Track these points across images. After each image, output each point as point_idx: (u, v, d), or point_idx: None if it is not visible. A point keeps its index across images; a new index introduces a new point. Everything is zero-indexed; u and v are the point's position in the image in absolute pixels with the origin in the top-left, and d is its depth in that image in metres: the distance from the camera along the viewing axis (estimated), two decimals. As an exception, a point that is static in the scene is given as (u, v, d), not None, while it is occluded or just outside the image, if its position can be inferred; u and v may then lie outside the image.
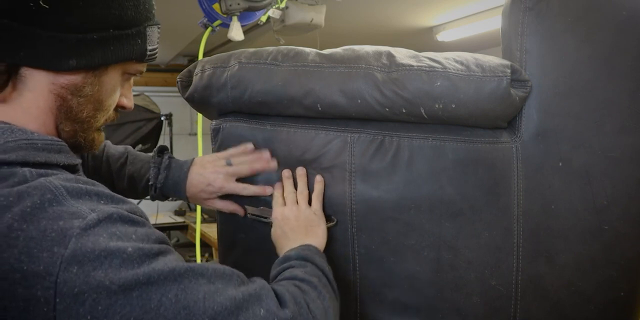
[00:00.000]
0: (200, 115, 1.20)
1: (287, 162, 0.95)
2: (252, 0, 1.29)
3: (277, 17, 1.53)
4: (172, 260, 0.59)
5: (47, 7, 0.62)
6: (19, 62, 0.65)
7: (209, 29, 1.36)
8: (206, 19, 1.36)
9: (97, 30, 0.66)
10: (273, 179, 0.96)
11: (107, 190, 0.62)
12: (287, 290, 0.67)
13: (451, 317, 0.89)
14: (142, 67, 0.76)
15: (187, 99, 1.03)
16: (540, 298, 0.88)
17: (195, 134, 5.07)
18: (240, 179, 0.97)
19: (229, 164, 0.96)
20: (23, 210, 0.54)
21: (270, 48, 0.97)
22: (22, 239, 0.53)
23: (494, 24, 3.23)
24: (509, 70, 0.83)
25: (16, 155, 0.60)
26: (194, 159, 1.01)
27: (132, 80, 0.78)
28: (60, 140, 0.68)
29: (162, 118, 4.50)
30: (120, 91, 0.75)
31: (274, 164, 0.96)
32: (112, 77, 0.72)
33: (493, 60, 0.86)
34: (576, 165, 0.85)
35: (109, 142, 1.10)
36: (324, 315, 0.68)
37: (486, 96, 0.82)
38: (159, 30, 0.76)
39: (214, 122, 1.03)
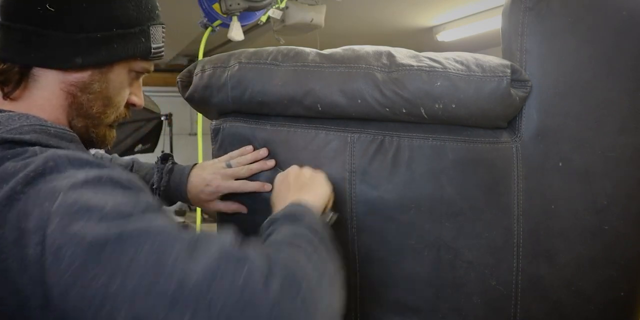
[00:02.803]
0: (200, 115, 1.20)
1: (287, 162, 0.95)
2: (252, 0, 1.29)
3: (277, 17, 1.53)
4: (154, 218, 0.56)
5: (52, 10, 0.68)
6: (31, 63, 0.70)
7: (209, 29, 1.36)
8: (206, 19, 1.36)
9: (101, 30, 0.71)
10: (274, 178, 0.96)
11: (107, 162, 0.64)
12: (272, 258, 0.58)
13: (451, 317, 0.89)
14: (149, 65, 0.79)
15: (187, 99, 1.03)
16: (540, 298, 0.88)
17: (195, 134, 5.07)
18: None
19: (229, 166, 0.97)
20: (26, 175, 0.57)
21: (270, 48, 0.97)
22: (22, 200, 0.55)
23: (494, 24, 3.23)
24: (509, 70, 0.83)
25: (30, 137, 0.63)
26: (195, 163, 1.02)
27: (141, 79, 0.81)
28: (72, 131, 0.72)
29: (162, 118, 4.50)
30: (130, 89, 0.79)
31: (271, 162, 0.96)
32: (119, 74, 0.75)
33: (493, 60, 0.86)
34: (576, 165, 0.85)
35: (116, 155, 1.13)
36: (316, 283, 0.58)
37: (486, 96, 0.82)
38: (163, 29, 0.79)
39: (214, 122, 1.03)
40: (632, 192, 0.86)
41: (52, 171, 0.58)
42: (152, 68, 0.80)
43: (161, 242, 0.53)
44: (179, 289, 0.50)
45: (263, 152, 0.96)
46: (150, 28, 0.76)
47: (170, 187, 1.00)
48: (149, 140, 4.41)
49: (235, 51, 0.99)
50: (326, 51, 0.93)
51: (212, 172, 0.97)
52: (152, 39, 0.76)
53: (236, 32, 1.33)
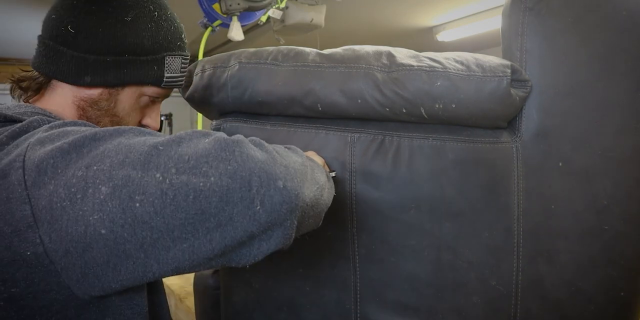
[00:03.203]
0: (200, 115, 1.20)
1: (287, 162, 0.95)
2: (252, 0, 1.30)
3: (277, 17, 1.53)
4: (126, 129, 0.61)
5: (72, 31, 0.76)
6: (50, 74, 0.78)
7: (209, 29, 1.36)
8: (206, 19, 1.36)
9: (113, 54, 0.77)
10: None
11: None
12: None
13: (451, 317, 0.89)
14: (163, 91, 0.84)
15: (187, 99, 1.03)
16: (540, 298, 0.89)
17: (195, 134, 5.05)
18: None
19: None
20: (13, 130, 0.63)
21: (271, 48, 0.97)
22: (6, 148, 0.61)
23: (494, 24, 3.23)
24: (509, 70, 0.83)
25: (32, 119, 0.68)
26: None
27: (159, 105, 0.87)
28: None
29: (162, 118, 4.50)
30: (144, 111, 0.85)
31: None
32: (130, 96, 0.81)
33: (493, 60, 0.86)
34: (576, 165, 0.85)
35: None
36: (302, 176, 0.60)
37: (486, 96, 0.82)
38: (184, 60, 0.84)
39: (214, 122, 1.03)
40: (632, 192, 0.86)
41: (35, 126, 0.64)
42: (169, 93, 0.85)
43: (132, 134, 0.59)
44: (150, 152, 0.55)
45: None
46: (166, 58, 0.81)
47: None
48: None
49: (235, 51, 0.99)
50: (326, 51, 0.93)
51: None
52: (166, 69, 0.81)
53: (236, 32, 1.33)
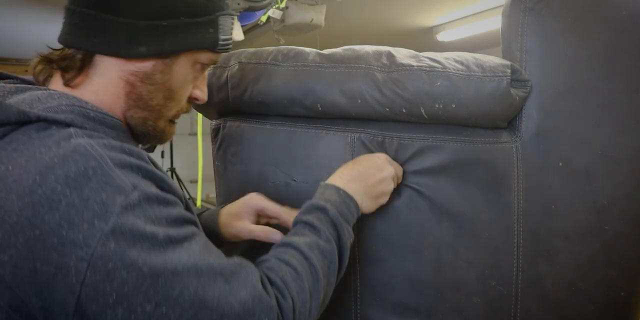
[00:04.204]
0: (200, 115, 1.20)
1: (287, 162, 0.94)
2: (252, 0, 1.30)
3: (277, 17, 1.53)
4: (197, 250, 0.60)
5: None
6: (93, 50, 0.67)
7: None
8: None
9: (168, 18, 0.67)
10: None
11: (148, 166, 0.62)
12: (283, 308, 0.65)
13: (451, 317, 0.89)
14: (216, 57, 0.75)
15: (187, 99, 1.03)
16: (540, 298, 0.88)
17: (195, 134, 5.06)
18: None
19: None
20: (67, 175, 0.55)
21: (270, 48, 0.97)
22: (65, 204, 0.54)
23: (494, 24, 3.23)
24: (509, 70, 0.83)
25: (64, 117, 0.61)
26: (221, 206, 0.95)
27: (206, 73, 0.78)
28: (117, 118, 0.69)
29: (162, 118, 4.49)
30: (194, 82, 0.75)
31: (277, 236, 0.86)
32: (184, 66, 0.71)
33: (493, 60, 0.86)
34: (576, 165, 0.85)
35: None
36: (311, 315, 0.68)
37: (486, 96, 0.82)
38: (232, 20, 0.75)
39: (214, 122, 1.03)
40: (632, 192, 0.86)
41: (95, 172, 0.56)
42: (218, 59, 0.77)
43: (207, 278, 0.58)
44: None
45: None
46: (219, 18, 0.72)
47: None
48: (149, 140, 4.40)
49: (235, 51, 0.99)
50: (326, 51, 0.93)
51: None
52: (220, 30, 0.72)
53: (236, 32, 1.33)
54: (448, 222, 0.87)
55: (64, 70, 0.68)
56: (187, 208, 0.68)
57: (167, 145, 4.87)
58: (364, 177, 0.81)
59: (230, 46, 0.76)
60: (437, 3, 3.06)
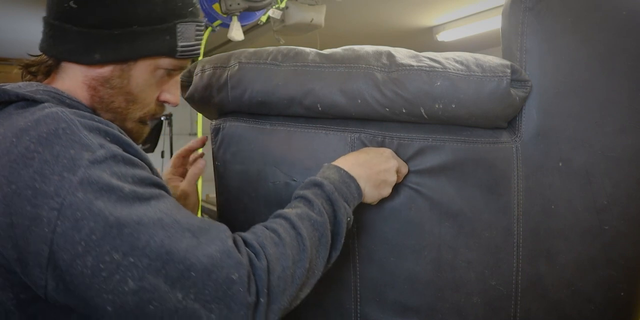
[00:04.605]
0: (200, 115, 1.20)
1: (287, 162, 0.95)
2: (252, 0, 1.30)
3: (277, 17, 1.53)
4: (164, 208, 0.62)
5: (75, 6, 0.71)
6: (57, 56, 0.74)
7: (209, 29, 1.36)
8: (206, 19, 1.36)
9: (121, 27, 0.72)
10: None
11: (118, 132, 0.67)
12: (256, 269, 0.65)
13: (451, 317, 0.89)
14: (180, 62, 0.78)
15: (187, 99, 1.03)
16: (540, 298, 0.88)
17: (195, 134, 5.06)
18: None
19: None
20: (39, 135, 0.60)
21: (270, 48, 0.97)
22: (37, 160, 0.58)
23: (494, 24, 3.23)
24: (509, 70, 0.83)
25: (41, 97, 0.67)
26: None
27: (178, 77, 0.82)
28: (90, 109, 0.75)
29: (162, 118, 4.49)
30: (162, 86, 0.79)
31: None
32: (143, 71, 0.76)
33: (493, 60, 0.86)
34: (576, 165, 0.85)
35: None
36: (291, 292, 0.68)
37: (486, 96, 0.82)
38: (198, 27, 0.78)
39: (214, 122, 1.03)
40: (632, 192, 0.86)
41: (65, 132, 0.60)
42: (186, 64, 0.80)
43: (174, 231, 0.60)
44: (185, 272, 0.58)
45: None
46: (178, 25, 0.75)
47: None
48: (149, 141, 4.40)
49: (235, 51, 0.99)
50: (326, 51, 0.93)
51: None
52: (179, 37, 0.75)
53: (236, 32, 1.34)
54: (448, 222, 0.87)
55: (33, 74, 0.77)
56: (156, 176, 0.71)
57: (167, 145, 4.87)
58: (369, 164, 0.82)
59: (197, 52, 0.79)
60: (437, 3, 3.06)
